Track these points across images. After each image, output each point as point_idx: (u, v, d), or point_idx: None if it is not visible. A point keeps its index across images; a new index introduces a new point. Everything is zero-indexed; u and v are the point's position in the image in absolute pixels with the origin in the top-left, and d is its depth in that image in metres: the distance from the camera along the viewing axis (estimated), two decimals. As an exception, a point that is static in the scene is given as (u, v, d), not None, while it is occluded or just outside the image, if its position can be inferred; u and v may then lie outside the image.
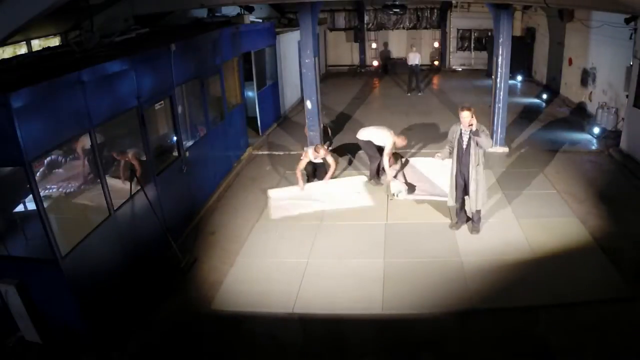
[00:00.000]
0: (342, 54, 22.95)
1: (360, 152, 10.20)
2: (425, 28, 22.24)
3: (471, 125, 6.56)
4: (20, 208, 6.08)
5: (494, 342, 5.20)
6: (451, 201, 7.21)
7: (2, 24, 6.53)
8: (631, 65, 10.05)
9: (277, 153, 11.32)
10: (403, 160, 9.77)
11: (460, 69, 21.61)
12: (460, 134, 6.83)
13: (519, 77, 18.14)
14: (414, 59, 16.62)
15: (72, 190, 6.44)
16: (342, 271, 6.53)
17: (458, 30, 21.57)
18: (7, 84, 4.70)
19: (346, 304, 5.86)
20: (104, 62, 5.83)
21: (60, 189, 6.39)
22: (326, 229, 7.66)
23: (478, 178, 6.82)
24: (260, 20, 13.87)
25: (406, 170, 9.38)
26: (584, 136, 11.65)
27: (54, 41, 9.15)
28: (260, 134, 12.42)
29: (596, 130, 11.53)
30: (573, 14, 13.57)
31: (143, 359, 5.24)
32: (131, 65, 6.27)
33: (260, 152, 11.43)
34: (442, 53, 22.01)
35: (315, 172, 9.19)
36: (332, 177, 9.08)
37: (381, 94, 17.69)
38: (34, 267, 5.09)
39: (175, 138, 7.65)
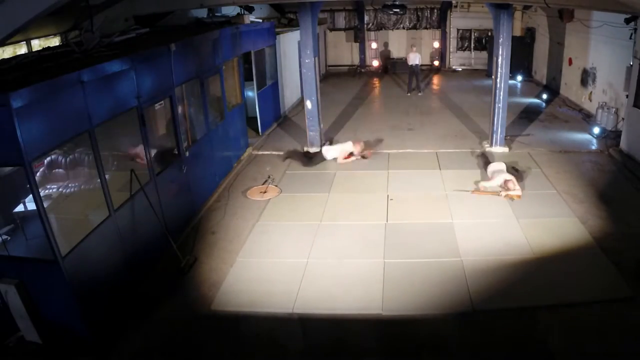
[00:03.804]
0: (342, 54, 22.94)
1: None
2: (425, 28, 22.25)
3: None
4: (20, 208, 6.08)
5: (494, 343, 5.20)
6: None
7: (2, 24, 6.53)
8: (631, 65, 10.05)
9: (277, 153, 11.32)
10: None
11: (460, 69, 21.62)
12: None
13: (519, 77, 18.14)
14: (414, 59, 16.62)
15: (72, 190, 6.44)
16: (342, 271, 6.53)
17: (458, 30, 21.57)
18: (7, 84, 4.70)
19: (346, 304, 5.86)
20: (104, 62, 5.83)
21: (60, 189, 6.39)
22: (326, 229, 7.65)
23: None
24: (260, 20, 13.87)
25: None
26: (584, 136, 11.67)
27: (54, 41, 9.15)
28: (260, 134, 12.42)
29: (596, 130, 11.54)
30: (573, 14, 13.57)
31: (143, 359, 5.24)
32: (131, 65, 6.27)
33: (260, 152, 11.43)
34: (442, 53, 22.01)
35: None
36: None
37: (381, 94, 17.69)
38: (34, 267, 5.09)
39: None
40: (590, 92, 13.26)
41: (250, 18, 11.91)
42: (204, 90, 8.74)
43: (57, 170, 6.48)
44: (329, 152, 10.40)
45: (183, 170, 7.75)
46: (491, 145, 10.92)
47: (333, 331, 5.47)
